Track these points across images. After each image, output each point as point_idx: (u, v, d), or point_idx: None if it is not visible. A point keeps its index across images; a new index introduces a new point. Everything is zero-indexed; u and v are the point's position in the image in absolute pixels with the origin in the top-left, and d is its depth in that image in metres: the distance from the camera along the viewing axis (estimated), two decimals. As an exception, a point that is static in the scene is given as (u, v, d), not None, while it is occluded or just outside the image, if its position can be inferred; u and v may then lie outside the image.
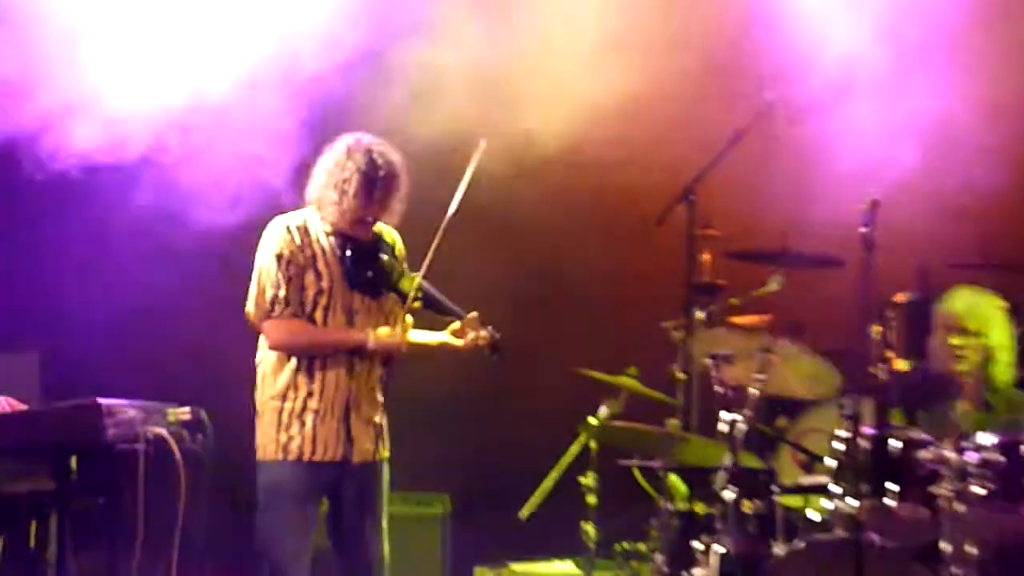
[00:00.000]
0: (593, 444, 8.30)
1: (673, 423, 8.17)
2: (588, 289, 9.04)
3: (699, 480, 8.03)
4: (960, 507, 7.22)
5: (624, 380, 8.32)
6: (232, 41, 8.31)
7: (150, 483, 6.70)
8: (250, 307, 7.01)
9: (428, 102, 8.15)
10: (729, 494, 7.53)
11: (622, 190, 8.63)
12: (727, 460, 7.61)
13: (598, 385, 8.35)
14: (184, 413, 6.85)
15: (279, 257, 6.95)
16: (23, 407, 6.56)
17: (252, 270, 7.16)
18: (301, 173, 7.75)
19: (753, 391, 7.81)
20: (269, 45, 8.29)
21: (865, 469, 7.19)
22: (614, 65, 8.52)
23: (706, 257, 8.27)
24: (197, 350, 8.41)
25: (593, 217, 8.90)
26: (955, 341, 7.85)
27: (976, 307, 7.87)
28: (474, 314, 7.10)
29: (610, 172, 8.53)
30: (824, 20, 8.82)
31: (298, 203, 7.42)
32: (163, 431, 6.67)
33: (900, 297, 7.83)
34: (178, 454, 6.68)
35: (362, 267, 7.00)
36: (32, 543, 6.62)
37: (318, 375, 6.96)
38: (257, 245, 7.26)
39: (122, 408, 6.50)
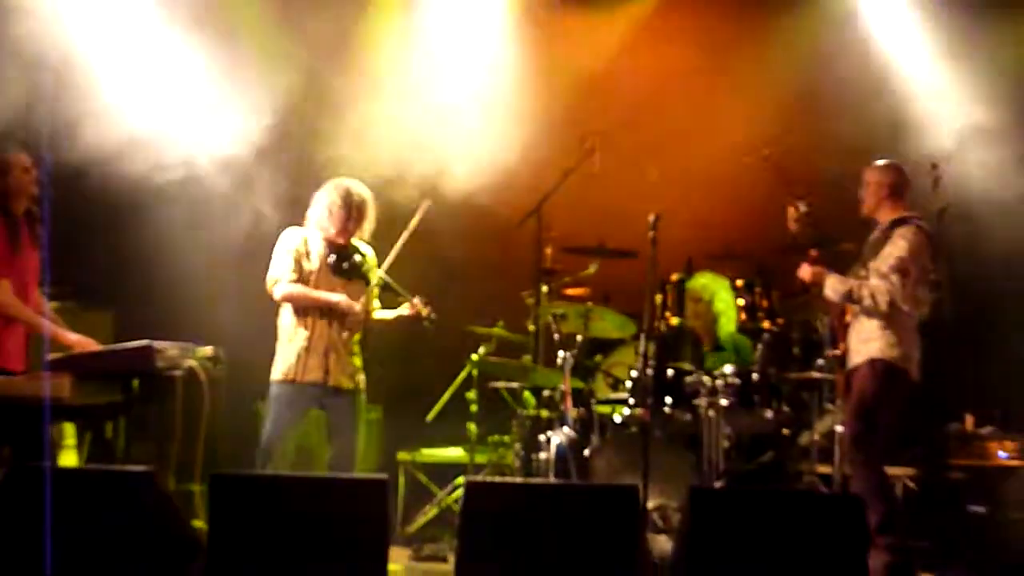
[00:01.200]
0: (475, 372, 8.41)
1: (527, 358, 8.23)
2: (472, 273, 9.05)
3: (543, 395, 8.16)
4: (712, 413, 7.40)
5: (495, 330, 8.42)
6: (236, 109, 8.33)
7: (185, 398, 6.82)
8: (269, 279, 7.15)
9: (369, 150, 8.22)
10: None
11: (495, 206, 8.67)
12: (561, 383, 7.76)
13: (478, 334, 8.46)
14: (208, 351, 6.96)
15: (287, 250, 7.16)
16: (102, 347, 6.62)
17: (253, 262, 7.37)
18: (281, 202, 8.00)
19: (578, 337, 7.97)
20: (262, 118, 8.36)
21: (651, 388, 7.33)
22: (495, 126, 8.63)
23: (548, 251, 8.27)
24: (219, 311, 8.39)
25: (476, 225, 8.90)
26: (693, 307, 8.03)
27: (707, 284, 7.98)
28: (418, 298, 7.27)
29: (488, 195, 8.59)
30: (634, 95, 8.98)
31: (278, 221, 7.66)
32: (195, 363, 6.77)
33: (673, 277, 7.89)
34: (204, 379, 6.78)
35: (341, 261, 7.20)
36: (109, 436, 6.69)
37: (310, 325, 7.13)
38: (248, 250, 7.73)
39: (167, 347, 6.59)
